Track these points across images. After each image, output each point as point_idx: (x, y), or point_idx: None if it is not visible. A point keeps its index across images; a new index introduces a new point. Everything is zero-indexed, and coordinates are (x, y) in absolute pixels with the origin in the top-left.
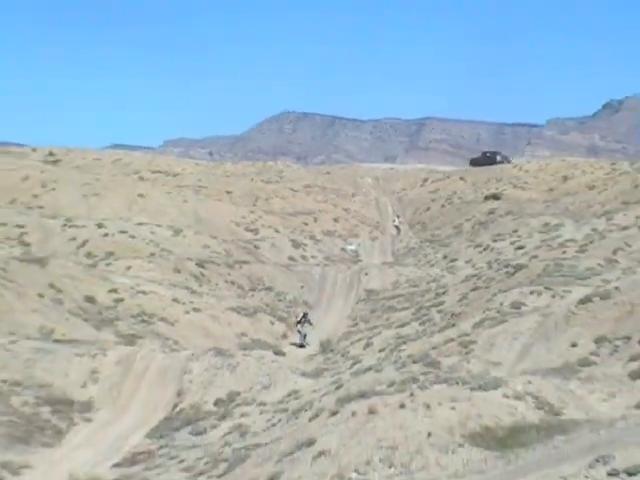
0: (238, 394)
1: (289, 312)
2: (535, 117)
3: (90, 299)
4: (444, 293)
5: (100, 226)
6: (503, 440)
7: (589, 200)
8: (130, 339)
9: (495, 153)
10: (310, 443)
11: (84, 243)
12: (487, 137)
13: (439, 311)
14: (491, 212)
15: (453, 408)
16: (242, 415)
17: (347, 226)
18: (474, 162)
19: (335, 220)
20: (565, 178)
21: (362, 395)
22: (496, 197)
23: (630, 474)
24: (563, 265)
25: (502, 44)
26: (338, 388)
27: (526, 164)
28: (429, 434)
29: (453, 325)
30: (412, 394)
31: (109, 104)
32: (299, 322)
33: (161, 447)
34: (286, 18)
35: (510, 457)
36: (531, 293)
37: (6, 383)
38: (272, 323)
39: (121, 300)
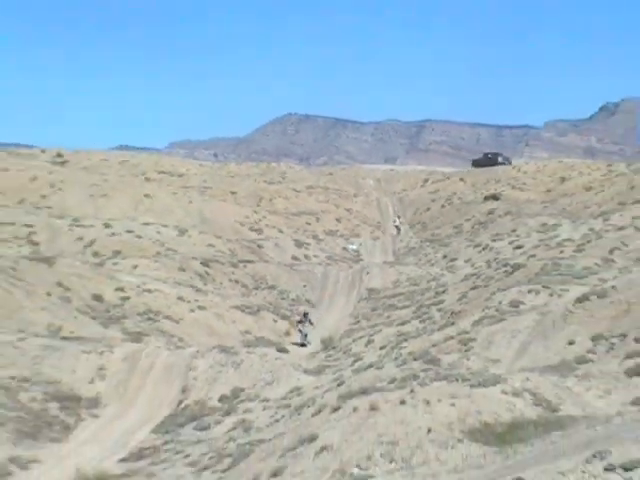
0: (242, 390)
1: (292, 310)
2: (533, 119)
3: (97, 297)
4: (444, 292)
5: (107, 226)
6: (502, 436)
7: (586, 201)
8: (136, 336)
9: (496, 154)
10: (312, 438)
11: (91, 242)
12: (486, 139)
13: (439, 309)
14: (490, 212)
15: (453, 404)
16: (246, 411)
17: (349, 226)
18: (476, 163)
19: (337, 220)
20: (562, 179)
21: (363, 391)
22: (495, 198)
23: (626, 469)
24: (561, 264)
25: (501, 48)
26: (340, 385)
27: (524, 165)
28: (429, 430)
29: (453, 323)
30: (412, 391)
31: (116, 106)
32: (300, 322)
33: (166, 442)
34: (288, 22)
35: (508, 452)
36: (529, 292)
37: (15, 379)
38: (275, 321)
39: (127, 298)
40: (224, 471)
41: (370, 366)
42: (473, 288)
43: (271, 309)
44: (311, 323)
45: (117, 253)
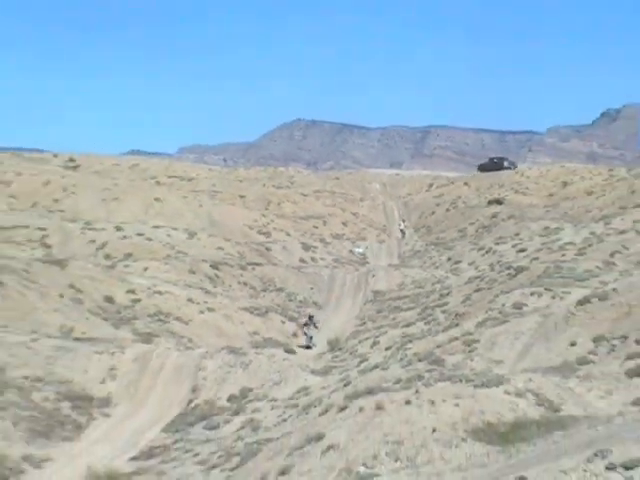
0: (250, 390)
1: (300, 312)
2: (536, 125)
3: (109, 299)
4: (448, 294)
5: (118, 229)
6: (505, 435)
7: (588, 205)
8: (147, 337)
9: (502, 159)
10: (319, 438)
11: (103, 245)
12: (490, 144)
13: (443, 311)
14: (494, 216)
15: (457, 404)
16: (254, 411)
17: (355, 229)
18: (482, 168)
19: (344, 224)
20: (565, 184)
21: (369, 392)
22: (499, 202)
23: (627, 468)
24: (563, 267)
25: (504, 54)
26: (346, 385)
27: (527, 170)
28: (434, 429)
29: (457, 325)
30: (417, 391)
31: (127, 112)
32: (305, 324)
33: (176, 441)
34: (296, 29)
35: (511, 451)
36: (532, 294)
37: (28, 379)
38: (283, 322)
39: (138, 300)
40: (232, 470)
41: (376, 367)
42: (477, 290)
43: (279, 311)
44: (316, 326)
45: (128, 256)
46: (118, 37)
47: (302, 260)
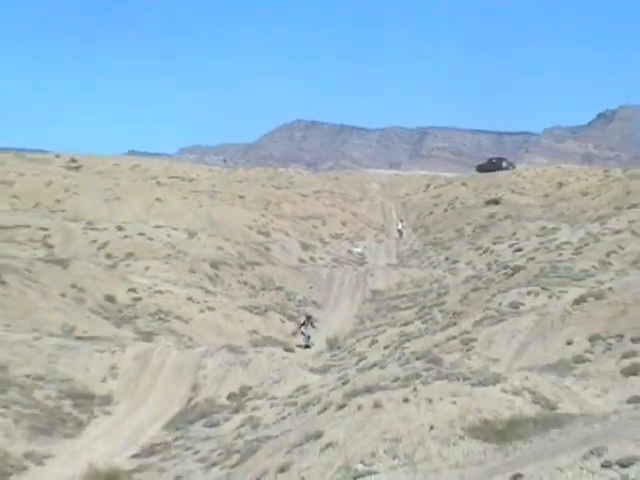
0: (250, 389)
1: (299, 311)
2: (533, 126)
3: (110, 298)
4: (446, 293)
5: (120, 229)
6: (502, 433)
7: (583, 205)
8: (147, 336)
9: (501, 159)
10: (318, 435)
11: (104, 245)
12: (487, 145)
13: (441, 310)
14: (491, 216)
15: (454, 402)
16: (254, 409)
17: (354, 229)
18: (481, 168)
19: (343, 223)
20: (561, 184)
21: (368, 390)
22: (496, 202)
23: (622, 465)
24: (559, 267)
25: (501, 57)
26: (345, 383)
27: (524, 171)
28: (431, 427)
29: (454, 324)
30: (415, 389)
31: (127, 112)
32: (303, 324)
33: (177, 439)
34: (297, 31)
35: (508, 449)
36: (529, 293)
37: (30, 377)
38: (282, 321)
39: (139, 299)
40: (232, 467)
41: (374, 365)
42: (474, 290)
43: (278, 310)
44: (313, 326)
45: (129, 255)
46: (119, 39)
47: (301, 260)
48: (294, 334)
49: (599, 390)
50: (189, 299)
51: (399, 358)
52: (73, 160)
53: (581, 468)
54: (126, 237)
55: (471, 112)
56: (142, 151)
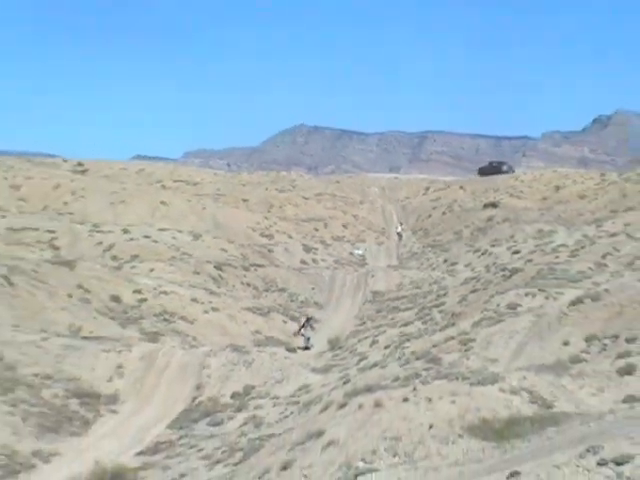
0: (253, 388)
1: (301, 312)
2: (530, 131)
3: (116, 299)
4: (445, 294)
5: (125, 231)
6: (500, 431)
7: (580, 208)
8: (153, 336)
9: (501, 163)
10: (320, 434)
11: (110, 247)
12: (485, 149)
13: (440, 311)
14: (489, 219)
15: (453, 402)
16: (257, 407)
17: (355, 232)
18: (481, 171)
19: (344, 226)
20: (558, 188)
21: (368, 389)
22: (494, 205)
23: (618, 463)
24: (556, 269)
25: (500, 63)
26: (346, 383)
27: (522, 175)
28: (431, 426)
29: (453, 324)
30: (415, 388)
31: (133, 118)
32: (303, 326)
33: (181, 437)
34: (299, 38)
35: (506, 447)
36: (526, 295)
37: (37, 377)
38: (285, 322)
39: (144, 300)
40: (236, 464)
41: (375, 365)
42: (473, 291)
43: (281, 311)
44: (312, 328)
45: (135, 257)
46: (125, 46)
47: (303, 261)
48: (296, 335)
49: (595, 389)
50: (193, 300)
51: (399, 358)
52: (80, 164)
53: (577, 466)
54: (131, 239)
55: (470, 117)
56: (148, 155)
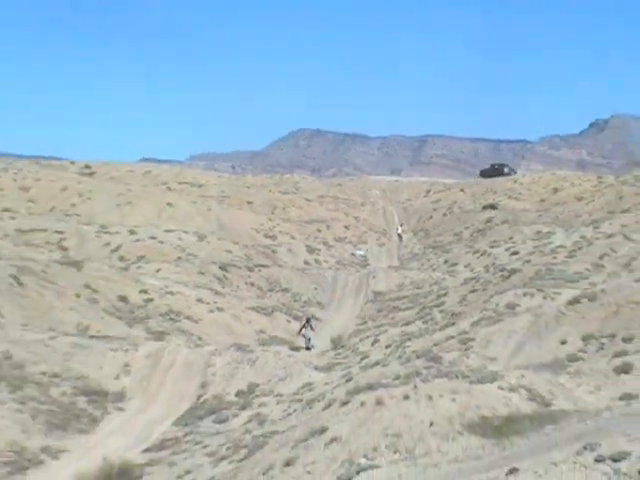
0: (257, 386)
1: (304, 311)
2: (529, 134)
3: (123, 299)
4: (445, 294)
5: (132, 232)
6: (499, 429)
7: (578, 210)
8: (159, 335)
9: (502, 165)
10: (323, 431)
11: (117, 248)
12: (485, 152)
13: (440, 311)
14: (488, 221)
15: (453, 399)
16: (261, 405)
17: (357, 233)
18: (483, 173)
19: (346, 227)
20: (556, 190)
21: (370, 387)
22: (493, 207)
23: (615, 460)
24: (554, 269)
25: (498, 68)
26: (348, 381)
27: (520, 177)
28: (431, 423)
29: (453, 324)
30: (416, 387)
31: (140, 121)
32: (303, 327)
33: (187, 434)
34: (301, 45)
35: (505, 444)
36: (524, 295)
37: (46, 375)
38: (288, 321)
39: (151, 300)
40: (240, 461)
41: (376, 364)
42: (472, 291)
43: (284, 310)
44: (312, 329)
45: (141, 258)
46: (133, 50)
47: (306, 262)
48: (297, 335)
49: (592, 387)
50: (199, 300)
51: (400, 357)
52: (87, 166)
53: (575, 463)
54: (138, 240)
55: (470, 121)
56: (155, 158)
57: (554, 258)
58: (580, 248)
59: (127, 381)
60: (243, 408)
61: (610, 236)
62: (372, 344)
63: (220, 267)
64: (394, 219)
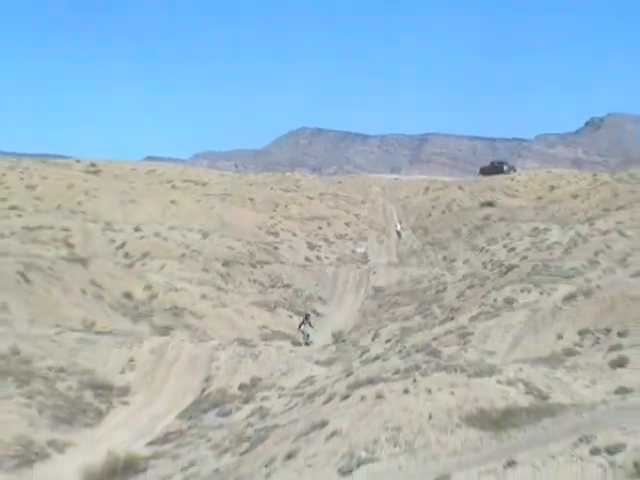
0: (260, 380)
1: (306, 307)
2: (525, 133)
3: (127, 295)
4: (444, 290)
5: (136, 229)
6: (497, 422)
7: (573, 207)
8: (163, 331)
9: (502, 163)
10: (324, 424)
11: (122, 245)
12: (482, 151)
13: (439, 306)
14: (486, 218)
15: (452, 393)
16: (263, 399)
17: (357, 230)
18: (483, 171)
19: (346, 224)
20: (552, 188)
21: (370, 381)
22: (491, 204)
23: (610, 452)
24: (550, 265)
25: (496, 68)
26: (349, 375)
27: (517, 175)
28: (430, 416)
29: (452, 319)
30: (415, 380)
31: (144, 121)
32: (302, 323)
33: (191, 427)
34: (302, 44)
35: (503, 437)
36: (521, 290)
37: (52, 370)
38: (290, 317)
39: (155, 296)
40: (243, 453)
41: (376, 358)
42: (470, 287)
43: (286, 306)
44: (311, 325)
45: (146, 255)
46: (136, 51)
47: (308, 258)
48: (298, 330)
49: (588, 381)
50: (202, 296)
51: (400, 351)
52: (93, 165)
53: (571, 455)
54: (143, 237)
55: (467, 120)
56: (159, 157)
57: (550, 254)
58: (576, 245)
59: (132, 375)
60: (246, 402)
61: (605, 233)
62: (372, 339)
63: (223, 264)
64: (393, 216)
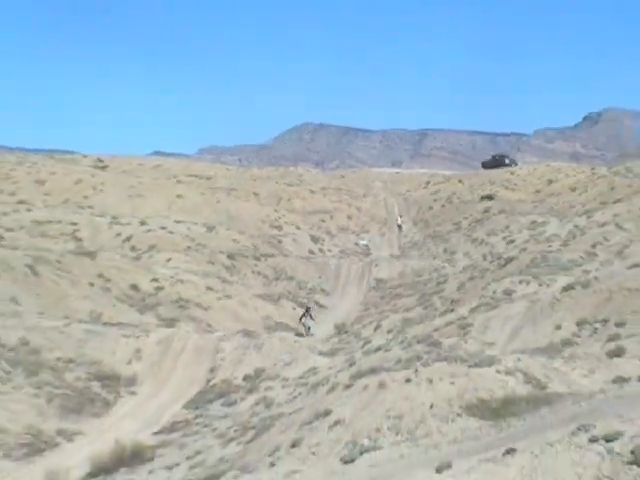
0: (264, 370)
1: (309, 298)
2: (524, 128)
3: (134, 287)
4: (444, 282)
5: (143, 223)
6: (496, 411)
7: (571, 200)
8: (169, 322)
9: (503, 156)
10: (327, 413)
11: (129, 238)
12: (482, 145)
13: (440, 297)
14: (486, 211)
15: (452, 382)
16: (267, 389)
17: (359, 223)
18: (485, 165)
19: (349, 218)
20: (550, 181)
21: (372, 371)
22: (490, 198)
23: (608, 440)
24: (549, 257)
25: (495, 63)
26: (351, 365)
27: (517, 169)
28: (431, 405)
29: (452, 310)
30: (416, 370)
31: (150, 116)
32: (303, 316)
33: (197, 417)
34: (305, 41)
35: (502, 425)
36: (520, 282)
37: (61, 361)
38: (294, 308)
39: (161, 288)
40: (248, 442)
41: (378, 348)
42: (470, 278)
43: (290, 298)
44: (312, 318)
45: (152, 247)
46: (142, 50)
47: (311, 251)
48: (299, 323)
49: (586, 371)
50: (208, 288)
51: (401, 342)
52: (100, 160)
53: (570, 443)
54: (149, 231)
55: (467, 115)
56: (166, 152)
57: (549, 246)
58: (574, 237)
59: (139, 366)
60: (250, 392)
61: (603, 225)
62: (374, 330)
63: (228, 256)
64: (395, 210)
